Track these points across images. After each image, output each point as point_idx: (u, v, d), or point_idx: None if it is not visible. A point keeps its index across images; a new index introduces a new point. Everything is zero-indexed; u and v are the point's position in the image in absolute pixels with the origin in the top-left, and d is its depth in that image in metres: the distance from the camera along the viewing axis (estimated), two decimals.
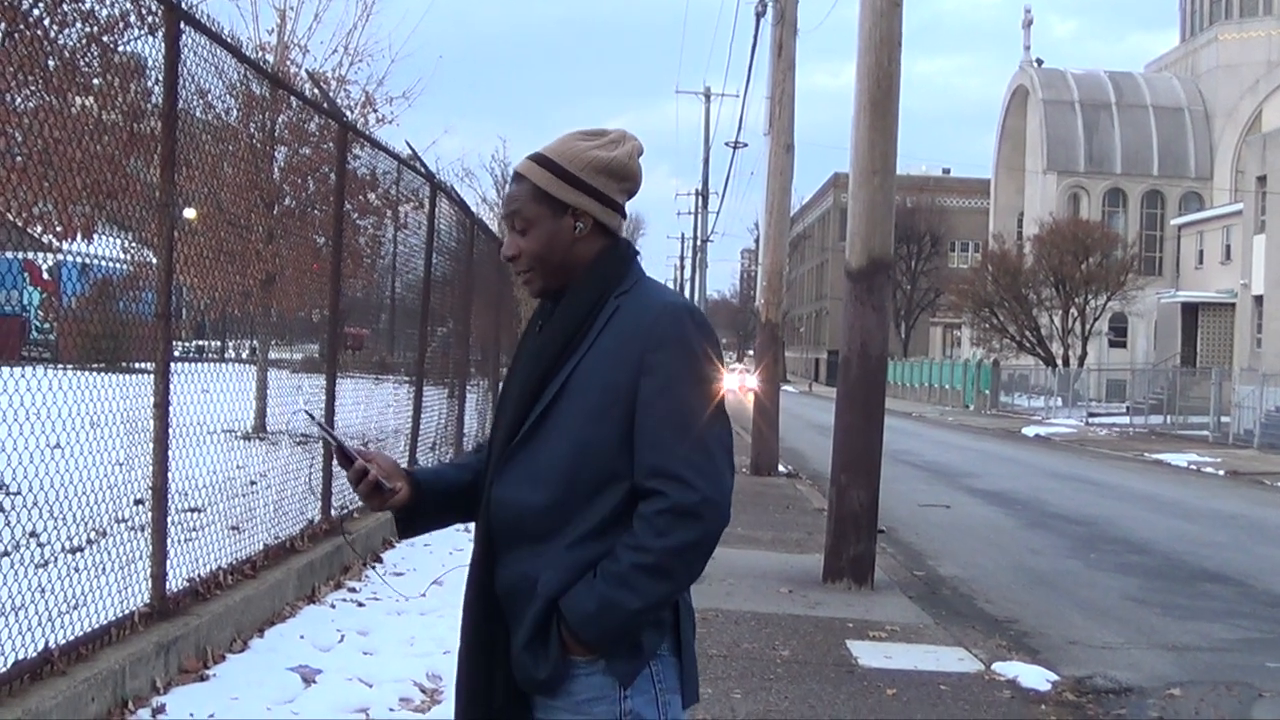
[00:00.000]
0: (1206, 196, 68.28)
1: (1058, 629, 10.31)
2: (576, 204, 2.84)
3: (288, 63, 19.02)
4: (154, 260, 6.88)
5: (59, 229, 7.54)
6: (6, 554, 6.07)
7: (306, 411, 3.28)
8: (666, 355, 2.72)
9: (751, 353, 55.82)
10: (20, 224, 7.04)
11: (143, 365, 6.75)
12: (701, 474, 2.68)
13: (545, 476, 2.73)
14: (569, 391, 2.74)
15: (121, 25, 8.20)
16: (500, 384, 3.19)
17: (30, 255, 8.77)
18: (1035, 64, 76.53)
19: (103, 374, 6.47)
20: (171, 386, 6.67)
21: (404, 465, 2.98)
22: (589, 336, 2.78)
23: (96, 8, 8.24)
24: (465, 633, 2.87)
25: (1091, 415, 50.62)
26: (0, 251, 6.54)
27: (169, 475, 6.64)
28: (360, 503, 10.72)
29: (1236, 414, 37.48)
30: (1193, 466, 29.22)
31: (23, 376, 5.70)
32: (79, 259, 7.99)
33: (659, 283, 2.96)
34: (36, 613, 5.49)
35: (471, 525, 2.94)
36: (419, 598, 9.12)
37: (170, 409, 6.65)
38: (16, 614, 5.39)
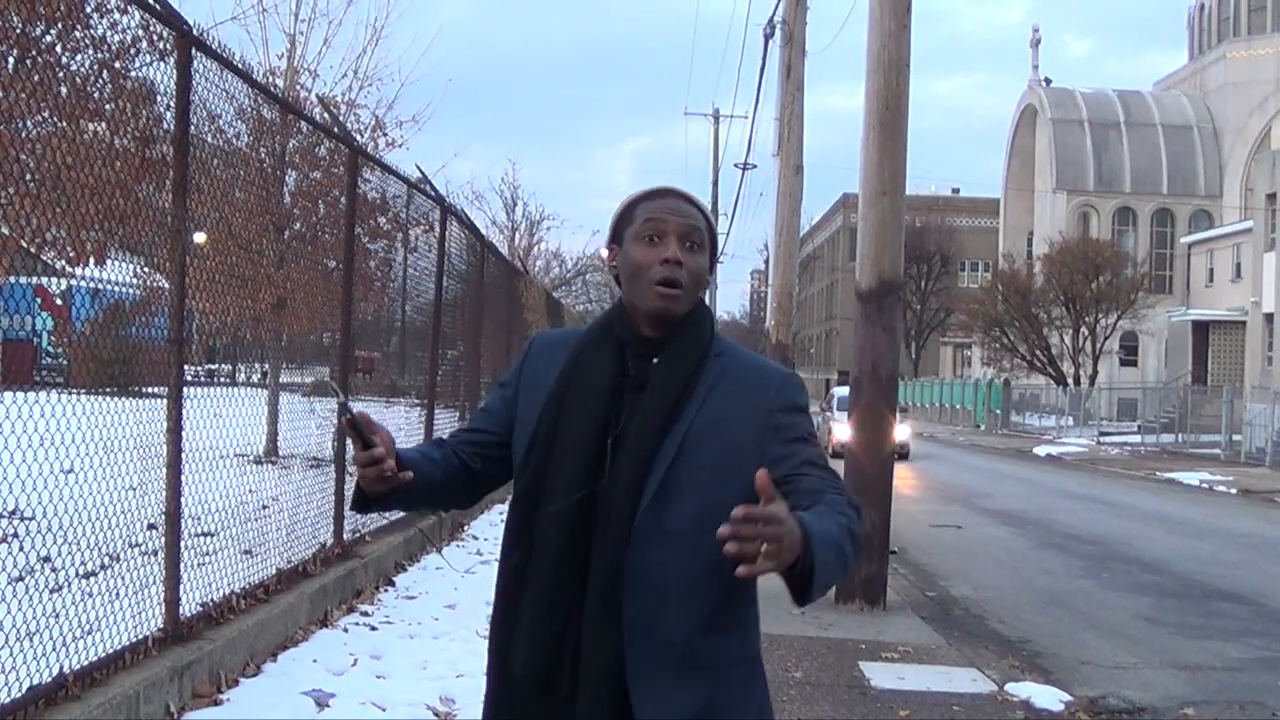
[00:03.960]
0: (1216, 214, 68.22)
1: (1070, 649, 10.28)
2: (713, 254, 2.89)
3: (298, 87, 19.10)
4: (166, 285, 6.90)
5: (71, 254, 7.56)
6: (20, 579, 6.10)
7: (329, 382, 3.02)
8: (794, 419, 2.76)
9: None
10: (33, 249, 7.07)
11: (155, 390, 6.76)
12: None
13: (677, 539, 2.63)
14: (687, 451, 2.67)
15: (133, 51, 8.23)
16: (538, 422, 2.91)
17: (42, 280, 8.78)
18: (1044, 83, 76.60)
19: (115, 399, 6.49)
20: (184, 411, 6.69)
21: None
22: (696, 394, 2.73)
23: (108, 34, 8.27)
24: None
25: (1103, 434, 50.51)
26: (12, 277, 6.57)
27: (182, 500, 6.64)
28: (367, 521, 10.77)
29: (1248, 432, 37.35)
30: (1205, 485, 29.13)
31: (35, 401, 5.72)
32: (91, 284, 8.02)
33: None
34: (50, 638, 5.50)
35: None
36: (433, 621, 9.12)
37: (183, 433, 6.66)
38: (31, 639, 5.39)
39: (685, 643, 2.63)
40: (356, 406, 2.62)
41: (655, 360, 2.77)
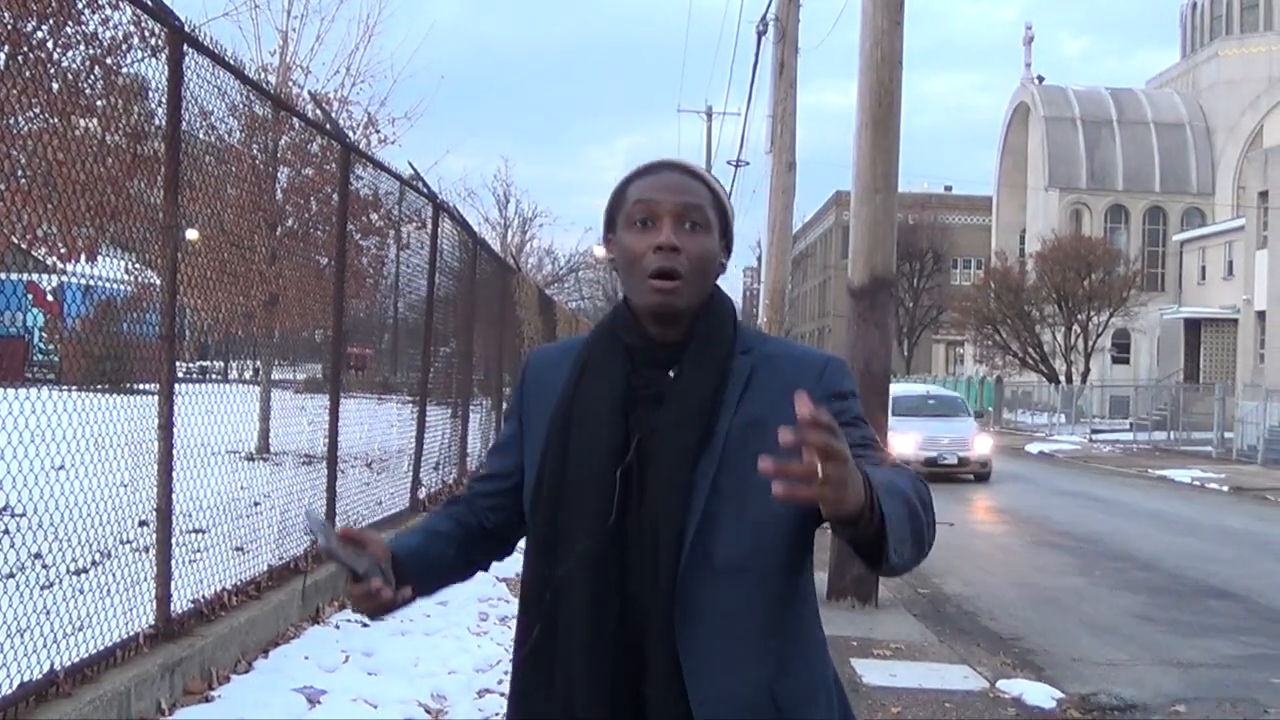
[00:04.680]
0: (1208, 212, 68.31)
1: (1062, 646, 10.29)
2: (725, 234, 2.53)
3: (290, 84, 19.10)
4: (157, 281, 6.89)
5: (62, 250, 7.55)
6: (11, 576, 6.08)
7: (306, 513, 2.65)
8: (845, 405, 2.41)
9: None
10: (24, 245, 7.06)
11: (146, 386, 6.75)
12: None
13: (731, 570, 2.30)
14: (728, 466, 2.31)
15: (124, 47, 8.23)
16: (546, 437, 2.49)
17: (33, 277, 8.77)
18: (1036, 81, 76.64)
19: (106, 395, 6.48)
20: (175, 407, 6.68)
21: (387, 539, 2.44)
22: (728, 400, 2.38)
23: (100, 30, 8.26)
24: None
25: (1095, 432, 50.55)
26: (4, 273, 6.56)
27: (173, 496, 6.63)
28: (360, 517, 10.79)
29: (1240, 430, 37.41)
30: (1196, 483, 29.17)
31: (26, 398, 5.71)
32: (82, 280, 8.01)
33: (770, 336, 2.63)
34: (41, 634, 5.49)
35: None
36: (424, 618, 9.11)
37: (174, 430, 6.65)
38: (22, 636, 5.39)
39: (763, 690, 2.31)
40: (337, 517, 2.31)
41: (671, 373, 2.42)
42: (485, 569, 2.71)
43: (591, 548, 2.31)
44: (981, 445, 27.71)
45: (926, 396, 30.80)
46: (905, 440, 25.86)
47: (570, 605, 2.32)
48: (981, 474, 27.31)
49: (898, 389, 28.66)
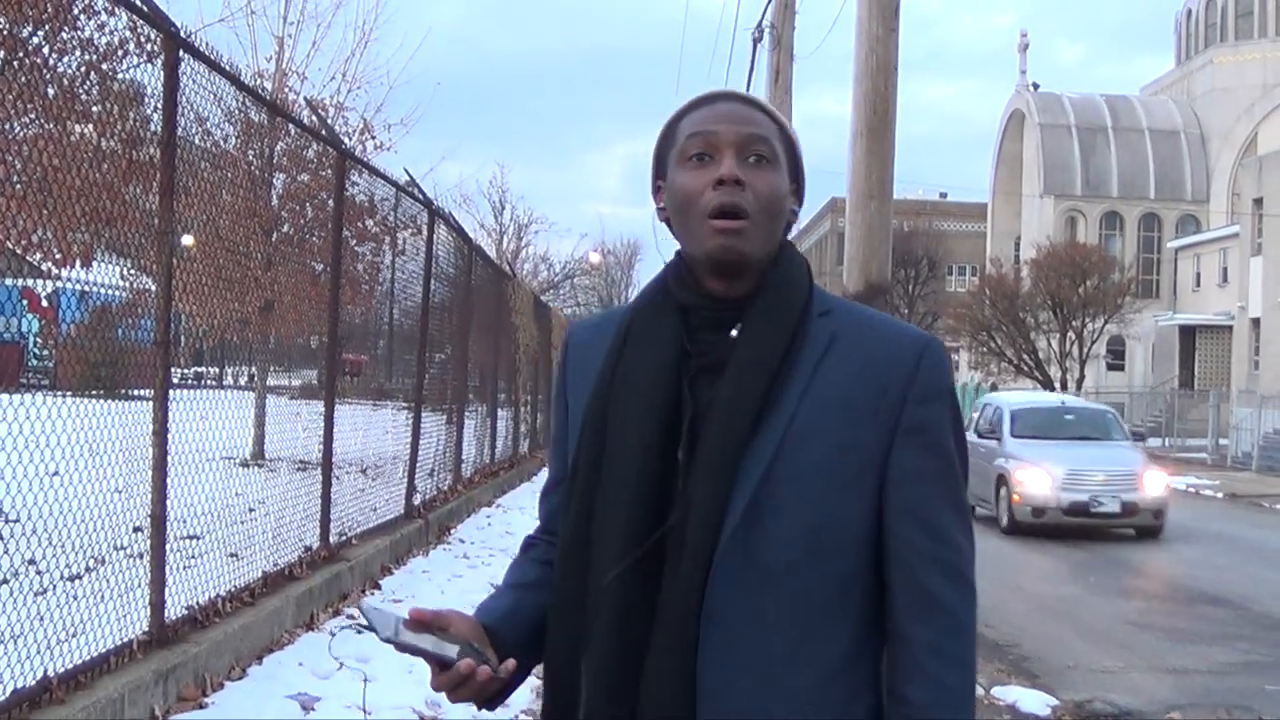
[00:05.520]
0: (1203, 219, 68.37)
1: (1057, 653, 10.30)
2: (795, 178, 2.15)
3: (286, 90, 19.07)
4: (153, 287, 6.89)
5: (58, 256, 7.55)
6: (5, 581, 6.08)
7: (358, 611, 1.86)
8: (938, 412, 2.03)
9: None
10: (19, 251, 7.05)
11: (141, 392, 6.75)
12: (971, 573, 2.14)
13: (776, 576, 1.92)
14: (789, 450, 1.93)
15: (120, 53, 8.22)
16: (568, 418, 2.16)
17: (29, 282, 8.77)
18: (1031, 88, 76.70)
19: (101, 401, 6.47)
20: (170, 413, 6.67)
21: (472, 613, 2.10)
22: (800, 369, 1.98)
23: (95, 36, 8.26)
24: None
25: None
26: None
27: (167, 502, 6.62)
28: (353, 524, 10.77)
29: (1234, 436, 37.47)
30: (1191, 489, 29.16)
31: (21, 403, 5.70)
32: (77, 286, 8.01)
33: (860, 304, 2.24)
34: (35, 641, 5.48)
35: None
36: None
37: (169, 436, 6.65)
38: (15, 642, 5.38)
39: None
40: (400, 605, 1.89)
41: (735, 331, 2.02)
42: None
43: (631, 549, 1.95)
44: (1154, 484, 18.58)
45: (1062, 409, 21.37)
46: (1037, 478, 18.40)
47: (599, 617, 1.98)
48: (1152, 528, 18.59)
49: (1016, 399, 22.52)
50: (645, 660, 1.92)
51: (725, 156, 2.02)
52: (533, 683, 2.26)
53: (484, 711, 2.06)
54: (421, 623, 1.91)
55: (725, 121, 2.05)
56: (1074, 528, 18.20)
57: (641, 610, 1.94)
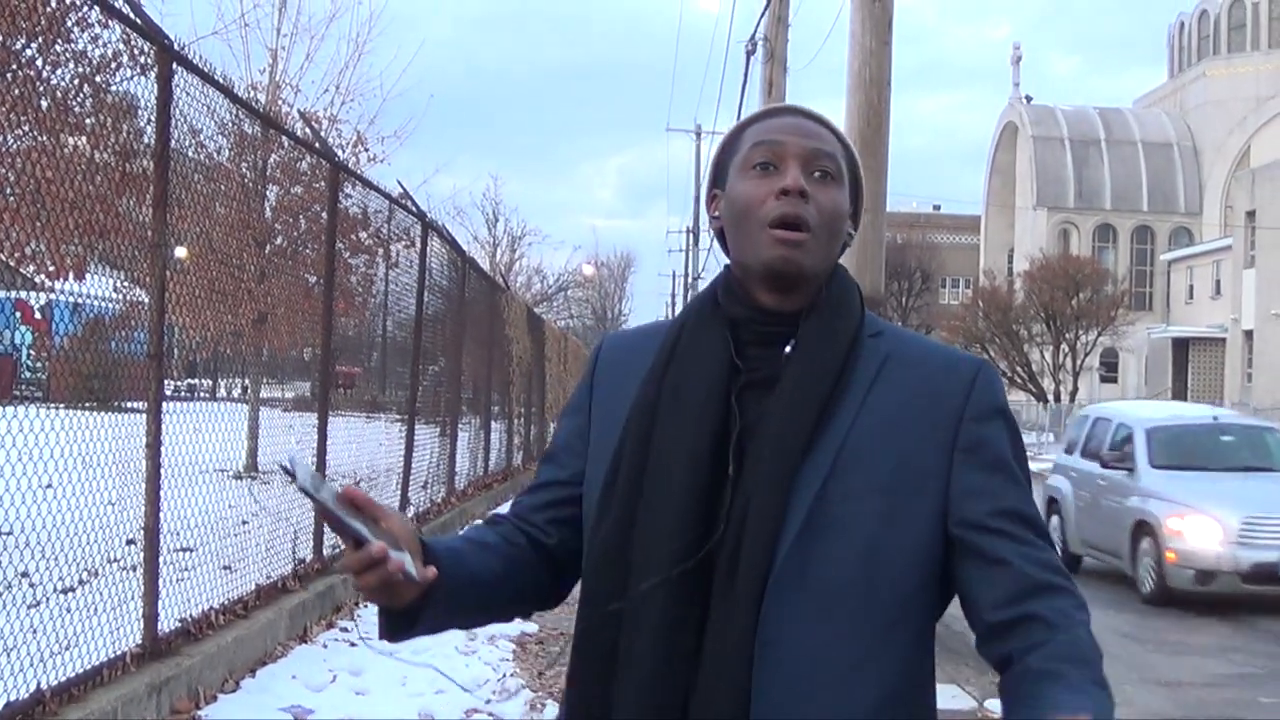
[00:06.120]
0: (1196, 232, 68.58)
1: None
2: (854, 200, 2.12)
3: (279, 102, 19.09)
4: (146, 299, 6.88)
5: (51, 268, 7.54)
6: None
7: (283, 466, 1.88)
8: (995, 431, 2.00)
9: None
10: (12, 263, 7.05)
11: (135, 404, 6.74)
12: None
13: (834, 594, 1.87)
14: (844, 469, 1.89)
15: (114, 65, 8.23)
16: (612, 439, 2.01)
17: (22, 294, 8.76)
18: (1024, 100, 76.92)
19: (94, 413, 6.47)
20: (163, 426, 6.67)
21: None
22: (854, 388, 1.95)
23: (89, 48, 8.26)
24: None
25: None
26: None
27: (160, 515, 6.62)
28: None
29: None
30: None
31: (14, 416, 5.70)
32: (71, 298, 8.00)
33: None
34: (28, 653, 5.47)
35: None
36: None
37: (162, 448, 6.64)
38: (8, 655, 5.37)
39: None
40: (336, 480, 1.79)
41: (789, 347, 1.98)
42: (530, 610, 2.24)
43: (671, 577, 1.87)
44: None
45: (1216, 428, 15.49)
46: (1202, 529, 12.88)
47: (639, 630, 1.89)
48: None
49: (1146, 411, 16.38)
50: (696, 677, 1.86)
51: (790, 167, 1.99)
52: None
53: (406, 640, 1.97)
54: (354, 504, 1.81)
55: (792, 133, 2.04)
56: (1256, 598, 13.10)
57: (687, 625, 1.88)
